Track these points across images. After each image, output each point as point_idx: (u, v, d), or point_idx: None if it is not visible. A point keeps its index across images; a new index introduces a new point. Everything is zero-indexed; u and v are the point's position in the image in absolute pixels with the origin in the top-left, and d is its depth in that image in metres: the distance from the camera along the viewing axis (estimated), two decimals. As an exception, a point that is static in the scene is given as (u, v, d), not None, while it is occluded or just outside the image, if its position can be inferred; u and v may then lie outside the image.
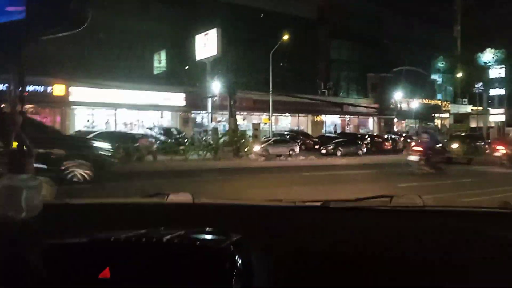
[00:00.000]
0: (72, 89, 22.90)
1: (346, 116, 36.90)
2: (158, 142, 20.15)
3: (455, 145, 18.73)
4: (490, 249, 1.03)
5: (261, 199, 1.65)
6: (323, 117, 35.63)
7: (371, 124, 38.64)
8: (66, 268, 0.94)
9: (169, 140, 21.23)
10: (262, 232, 1.12)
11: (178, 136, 22.79)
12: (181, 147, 19.91)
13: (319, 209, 1.37)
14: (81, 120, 24.62)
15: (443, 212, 1.31)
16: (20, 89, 0.97)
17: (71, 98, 23.09)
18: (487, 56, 37.72)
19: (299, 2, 33.07)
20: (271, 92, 26.64)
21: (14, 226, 0.95)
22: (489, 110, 39.90)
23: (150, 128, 24.21)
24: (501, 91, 38.18)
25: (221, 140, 20.56)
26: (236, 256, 0.91)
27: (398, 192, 1.45)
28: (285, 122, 34.68)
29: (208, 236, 1.02)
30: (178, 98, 26.96)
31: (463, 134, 24.30)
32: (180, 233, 0.98)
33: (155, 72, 29.55)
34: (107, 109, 25.34)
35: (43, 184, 1.04)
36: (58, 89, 22.50)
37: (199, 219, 1.21)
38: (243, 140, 20.66)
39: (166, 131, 23.21)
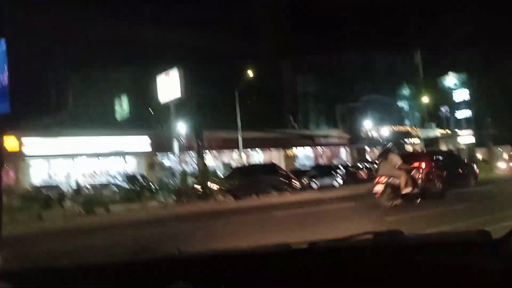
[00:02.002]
0: (25, 140, 21.39)
1: (318, 147, 36.47)
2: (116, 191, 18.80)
3: None
4: (473, 282, 1.03)
5: (246, 245, 1.68)
6: (295, 150, 35.08)
7: (344, 154, 38.32)
8: None
9: (133, 188, 19.85)
10: (248, 282, 1.11)
11: (144, 182, 21.45)
12: (147, 194, 18.72)
13: (305, 251, 1.36)
14: (38, 174, 22.94)
15: (423, 247, 1.29)
16: None
17: (24, 150, 21.53)
18: (450, 79, 38.56)
19: (261, 39, 33.14)
20: (239, 129, 25.90)
21: None
22: (457, 132, 40.42)
23: (113, 177, 22.78)
24: (467, 113, 38.82)
25: (189, 181, 19.34)
26: None
27: (383, 228, 1.44)
28: (257, 158, 33.96)
29: None
30: (142, 142, 25.77)
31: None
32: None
33: (118, 117, 28.41)
34: (65, 159, 23.84)
35: None
36: (8, 142, 20.91)
37: (184, 273, 1.19)
38: (209, 180, 19.44)
39: (130, 178, 21.80)
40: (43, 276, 1.28)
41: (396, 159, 10.28)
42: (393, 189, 9.93)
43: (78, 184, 19.43)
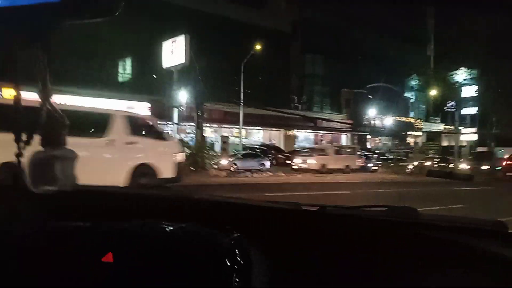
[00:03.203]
0: (24, 94, 20.98)
1: (319, 131, 36.10)
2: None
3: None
4: (483, 265, 1.02)
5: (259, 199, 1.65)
6: (296, 132, 34.75)
7: (345, 140, 37.99)
8: (69, 250, 0.96)
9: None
10: (260, 232, 1.12)
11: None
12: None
13: (315, 213, 1.37)
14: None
15: (437, 226, 1.28)
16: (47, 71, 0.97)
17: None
18: (460, 75, 37.85)
19: (273, 15, 32.33)
20: (241, 104, 25.51)
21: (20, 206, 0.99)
22: (460, 129, 39.96)
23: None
24: (473, 110, 38.23)
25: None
26: (237, 253, 0.92)
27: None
28: (257, 136, 33.65)
29: (209, 232, 1.00)
30: (142, 108, 25.37)
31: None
32: (182, 226, 1.00)
33: (120, 80, 27.92)
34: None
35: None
36: (7, 94, 20.53)
37: (199, 214, 1.22)
38: (204, 153, 19.15)
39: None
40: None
41: None
42: None
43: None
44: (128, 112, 11.94)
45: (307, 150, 25.90)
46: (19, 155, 0.96)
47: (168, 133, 15.40)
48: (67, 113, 1.04)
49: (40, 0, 0.87)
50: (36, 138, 0.97)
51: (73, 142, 1.05)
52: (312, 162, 22.90)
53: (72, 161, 1.00)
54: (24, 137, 0.97)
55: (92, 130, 8.88)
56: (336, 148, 26.19)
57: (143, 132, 9.74)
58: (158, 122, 25.86)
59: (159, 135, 10.26)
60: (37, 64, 0.96)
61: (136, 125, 9.63)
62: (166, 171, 9.61)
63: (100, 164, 8.09)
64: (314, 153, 24.05)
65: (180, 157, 10.33)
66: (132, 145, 9.29)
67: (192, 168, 18.39)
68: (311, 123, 33.29)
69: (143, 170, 9.22)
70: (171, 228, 0.97)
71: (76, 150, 1.04)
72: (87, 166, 1.77)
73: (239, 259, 0.91)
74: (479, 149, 33.86)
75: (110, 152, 8.97)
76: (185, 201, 1.45)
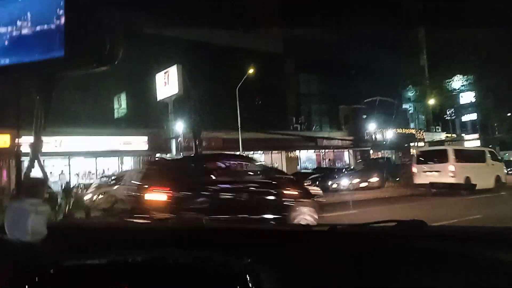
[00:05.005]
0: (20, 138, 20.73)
1: (321, 150, 35.70)
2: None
3: None
4: (493, 274, 1.00)
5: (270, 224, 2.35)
6: (297, 153, 34.33)
7: (347, 157, 37.54)
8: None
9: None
10: (271, 255, 1.12)
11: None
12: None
13: (326, 233, 1.37)
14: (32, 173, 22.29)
15: (446, 236, 1.28)
16: (43, 120, 1.01)
17: (17, 148, 20.88)
18: (456, 82, 37.78)
19: (264, 37, 32.42)
20: (239, 128, 25.21)
21: (22, 247, 0.98)
22: (463, 136, 39.60)
23: (107, 177, 22.07)
24: (473, 116, 37.97)
25: None
26: (247, 279, 0.93)
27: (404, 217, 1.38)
28: (259, 160, 33.20)
29: (220, 259, 1.03)
30: (140, 142, 25.07)
31: None
32: (193, 255, 1.02)
33: (116, 115, 27.72)
34: (62, 159, 23.18)
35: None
36: (1, 140, 20.25)
37: (210, 242, 1.24)
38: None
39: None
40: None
41: None
42: None
43: (68, 184, 18.68)
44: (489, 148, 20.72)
45: (311, 171, 25.27)
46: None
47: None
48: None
49: (45, 56, 0.92)
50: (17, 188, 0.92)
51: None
52: (450, 170, 15.49)
53: (43, 214, 1.00)
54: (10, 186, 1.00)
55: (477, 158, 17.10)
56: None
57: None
58: (157, 155, 25.77)
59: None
60: (35, 116, 0.98)
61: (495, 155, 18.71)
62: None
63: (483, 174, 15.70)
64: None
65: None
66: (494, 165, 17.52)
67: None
68: (312, 143, 32.92)
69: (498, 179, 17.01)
70: (183, 258, 0.98)
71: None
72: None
73: (250, 285, 0.90)
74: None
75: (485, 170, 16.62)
76: (196, 229, 1.45)
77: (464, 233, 1.32)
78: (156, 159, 18.62)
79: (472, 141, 37.49)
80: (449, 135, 42.11)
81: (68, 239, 1.15)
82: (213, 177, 7.08)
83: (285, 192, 6.95)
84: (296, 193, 7.11)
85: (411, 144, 38.99)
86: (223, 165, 7.66)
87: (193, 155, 19.66)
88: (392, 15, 35.09)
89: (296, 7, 34.18)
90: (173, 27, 25.89)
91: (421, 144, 39.84)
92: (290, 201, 6.82)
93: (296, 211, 6.74)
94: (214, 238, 1.32)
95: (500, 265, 1.01)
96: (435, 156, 16.50)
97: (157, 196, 6.16)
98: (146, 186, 6.57)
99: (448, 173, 15.23)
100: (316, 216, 6.84)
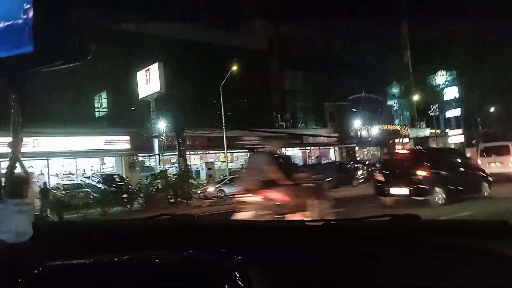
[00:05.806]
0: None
1: (306, 147, 35.52)
2: (92, 191, 17.61)
3: None
4: (490, 266, 1.01)
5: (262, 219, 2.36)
6: (283, 151, 34.08)
7: (333, 154, 37.46)
8: None
9: (110, 189, 18.65)
10: (263, 252, 1.12)
11: (121, 183, 20.24)
12: (124, 196, 17.59)
13: (320, 228, 1.38)
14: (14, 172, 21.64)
15: (441, 230, 1.31)
16: (20, 118, 1.00)
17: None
18: (440, 78, 37.99)
19: (248, 34, 32.08)
20: (224, 127, 24.85)
21: (7, 248, 0.97)
22: (447, 132, 39.85)
23: (87, 177, 21.52)
24: (457, 112, 38.23)
25: (156, 183, 18.14)
26: (237, 277, 0.92)
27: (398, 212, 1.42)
28: (244, 158, 32.90)
29: (209, 258, 1.02)
30: (122, 141, 24.52)
31: None
32: (182, 254, 1.01)
33: (97, 114, 27.08)
34: (41, 160, 22.51)
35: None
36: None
37: (201, 240, 1.24)
38: (188, 183, 18.22)
39: (105, 179, 20.52)
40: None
41: None
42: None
43: (45, 185, 18.09)
44: None
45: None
46: None
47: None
48: None
49: (14, 52, 0.89)
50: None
51: None
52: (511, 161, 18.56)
53: (28, 214, 0.97)
54: None
55: None
56: None
57: None
58: (139, 154, 25.26)
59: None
60: (12, 115, 0.96)
61: None
62: None
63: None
64: None
65: None
66: None
67: (172, 201, 17.52)
68: (297, 140, 32.69)
69: None
70: (171, 257, 0.97)
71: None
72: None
73: (239, 282, 0.90)
74: (468, 150, 33.62)
75: None
76: (186, 227, 1.43)
77: (458, 227, 1.34)
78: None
79: (456, 137, 37.70)
80: (433, 131, 42.37)
81: (55, 240, 1.13)
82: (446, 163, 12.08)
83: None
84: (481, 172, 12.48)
85: (396, 140, 39.16)
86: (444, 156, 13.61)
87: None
88: (376, 12, 35.06)
89: (280, 4, 33.97)
90: (155, 24, 25.39)
91: (405, 140, 40.01)
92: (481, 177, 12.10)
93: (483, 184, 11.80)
94: (205, 236, 1.32)
95: (493, 256, 1.01)
96: (497, 150, 19.15)
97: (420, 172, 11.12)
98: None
99: (509, 163, 18.35)
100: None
